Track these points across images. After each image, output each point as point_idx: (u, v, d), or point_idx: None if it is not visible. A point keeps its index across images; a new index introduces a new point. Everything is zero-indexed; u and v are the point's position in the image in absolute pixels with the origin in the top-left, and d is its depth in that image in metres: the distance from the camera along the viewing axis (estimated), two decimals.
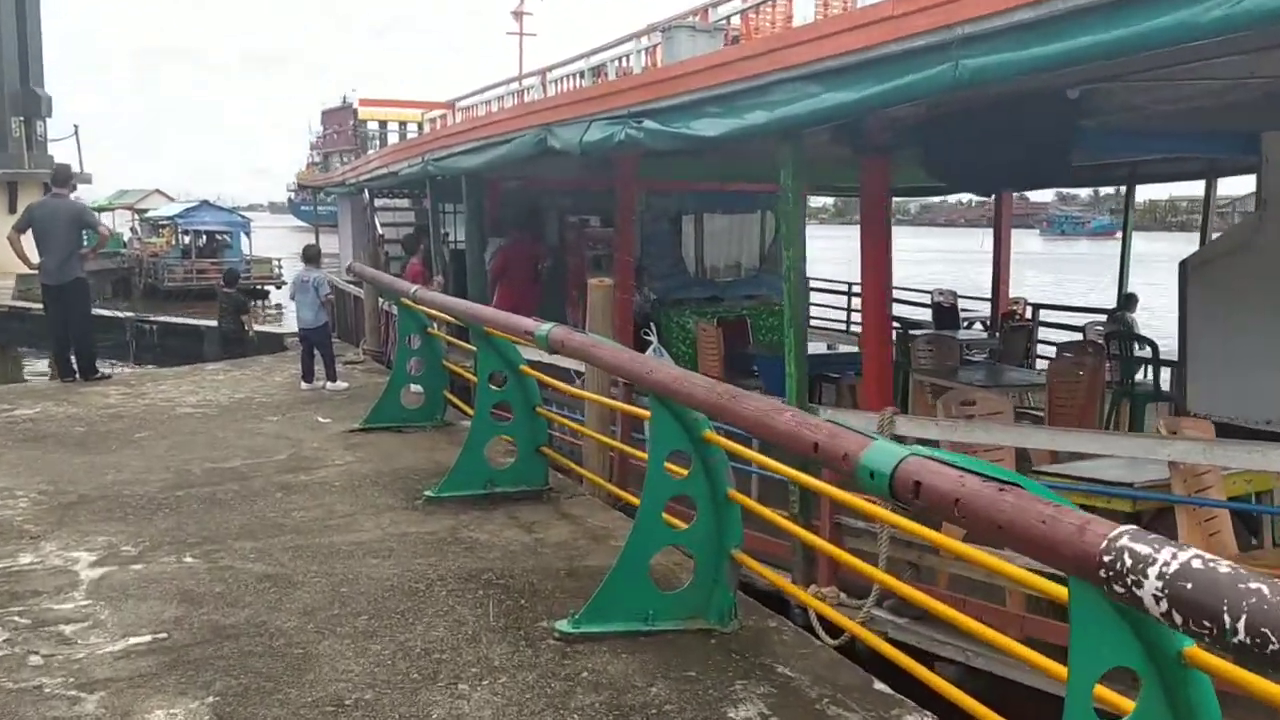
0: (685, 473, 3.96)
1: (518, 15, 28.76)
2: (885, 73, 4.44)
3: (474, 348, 6.39)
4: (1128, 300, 12.13)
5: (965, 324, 13.00)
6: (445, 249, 13.49)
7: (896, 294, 18.74)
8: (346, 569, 4.72)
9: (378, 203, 17.37)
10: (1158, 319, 13.49)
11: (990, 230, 13.56)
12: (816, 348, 11.06)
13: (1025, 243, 71.02)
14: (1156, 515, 4.09)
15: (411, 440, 7.59)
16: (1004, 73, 4.02)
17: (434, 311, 7.65)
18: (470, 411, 8.10)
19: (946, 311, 12.89)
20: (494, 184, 13.01)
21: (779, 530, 4.21)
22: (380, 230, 16.66)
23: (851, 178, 12.73)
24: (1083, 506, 4.88)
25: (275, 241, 43.41)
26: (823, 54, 4.83)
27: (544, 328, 4.71)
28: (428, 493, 5.96)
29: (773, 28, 8.50)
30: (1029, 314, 12.81)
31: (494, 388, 6.10)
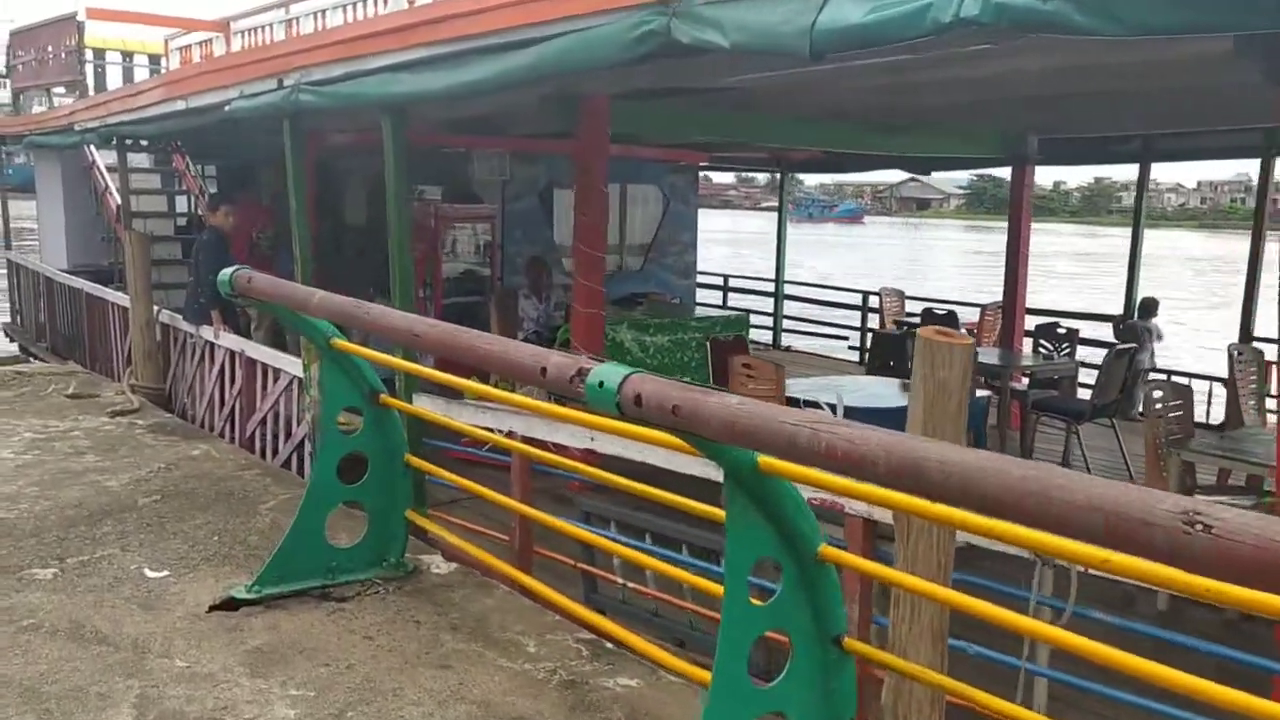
0: None
1: None
2: None
3: None
4: (1147, 307, 9.95)
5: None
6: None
7: (750, 284, 15.76)
8: None
9: (104, 160, 12.47)
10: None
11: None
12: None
13: (771, 225, 71.21)
14: None
15: (374, 628, 3.77)
16: None
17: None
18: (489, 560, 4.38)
19: (941, 321, 10.15)
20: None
21: None
22: (115, 197, 11.80)
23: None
24: None
25: None
26: None
27: None
28: None
29: None
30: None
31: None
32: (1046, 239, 66.50)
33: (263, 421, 6.81)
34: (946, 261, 49.54)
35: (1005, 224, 10.02)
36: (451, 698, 3.26)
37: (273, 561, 4.02)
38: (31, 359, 11.97)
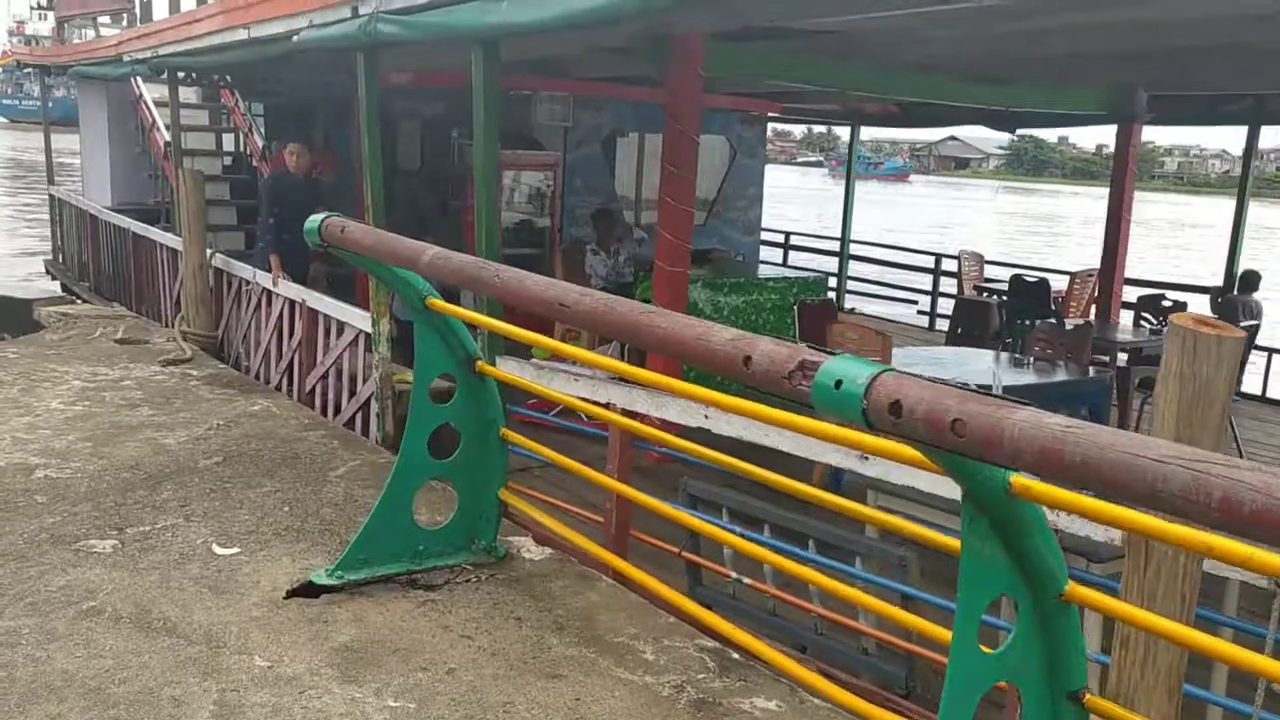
0: None
1: None
2: None
3: None
4: (1248, 280, 9.35)
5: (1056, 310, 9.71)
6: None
7: (807, 243, 14.98)
8: None
9: (151, 94, 12.02)
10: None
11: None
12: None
13: (811, 181, 69.81)
14: None
15: (471, 625, 3.36)
16: None
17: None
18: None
19: (1031, 289, 9.58)
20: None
21: None
22: (165, 134, 11.36)
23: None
24: None
25: None
26: None
27: None
28: None
29: None
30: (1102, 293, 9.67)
31: None
32: (1086, 203, 64.89)
33: (324, 377, 6.40)
34: (1007, 225, 48.44)
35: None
36: (570, 717, 2.85)
37: (357, 543, 3.62)
38: (75, 299, 11.64)
